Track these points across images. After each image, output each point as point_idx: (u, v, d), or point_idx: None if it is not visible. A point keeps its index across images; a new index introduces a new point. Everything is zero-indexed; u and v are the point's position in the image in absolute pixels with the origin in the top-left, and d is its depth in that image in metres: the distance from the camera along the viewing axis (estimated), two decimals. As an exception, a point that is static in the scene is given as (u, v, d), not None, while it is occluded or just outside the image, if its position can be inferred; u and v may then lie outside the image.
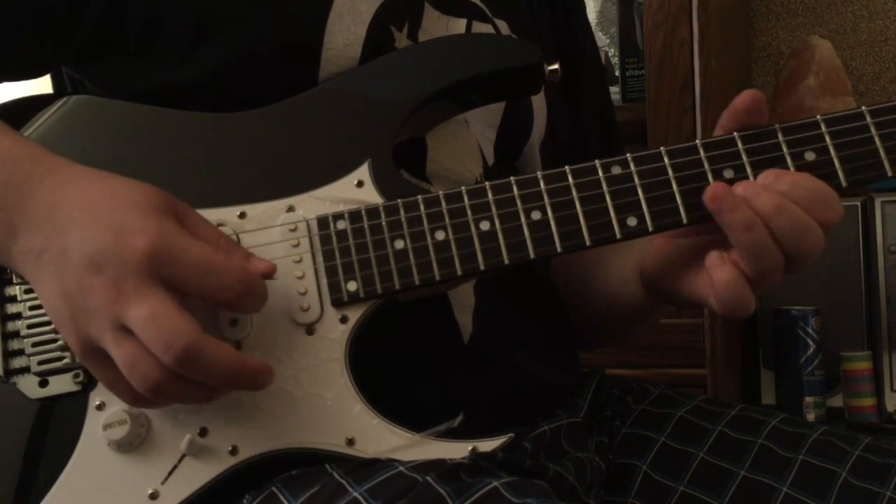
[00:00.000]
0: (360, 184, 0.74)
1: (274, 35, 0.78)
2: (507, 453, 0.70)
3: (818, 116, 0.72)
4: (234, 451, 0.69)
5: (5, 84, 0.84)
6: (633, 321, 0.95)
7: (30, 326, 0.72)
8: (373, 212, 0.72)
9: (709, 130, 1.41)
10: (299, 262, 0.72)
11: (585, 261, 0.95)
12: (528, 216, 0.72)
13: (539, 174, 0.73)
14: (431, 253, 0.71)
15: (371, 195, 0.74)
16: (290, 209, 0.73)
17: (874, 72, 1.96)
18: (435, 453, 0.68)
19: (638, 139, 1.49)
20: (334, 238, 0.72)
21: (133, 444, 0.69)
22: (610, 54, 1.73)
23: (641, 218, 0.71)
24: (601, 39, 1.73)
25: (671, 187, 0.72)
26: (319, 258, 0.72)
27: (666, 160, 0.72)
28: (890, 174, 0.70)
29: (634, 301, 0.87)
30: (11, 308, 0.73)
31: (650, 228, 0.71)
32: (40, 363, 0.72)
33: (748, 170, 0.72)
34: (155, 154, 0.77)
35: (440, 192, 0.73)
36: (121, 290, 0.61)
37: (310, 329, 0.71)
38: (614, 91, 1.63)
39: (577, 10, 1.06)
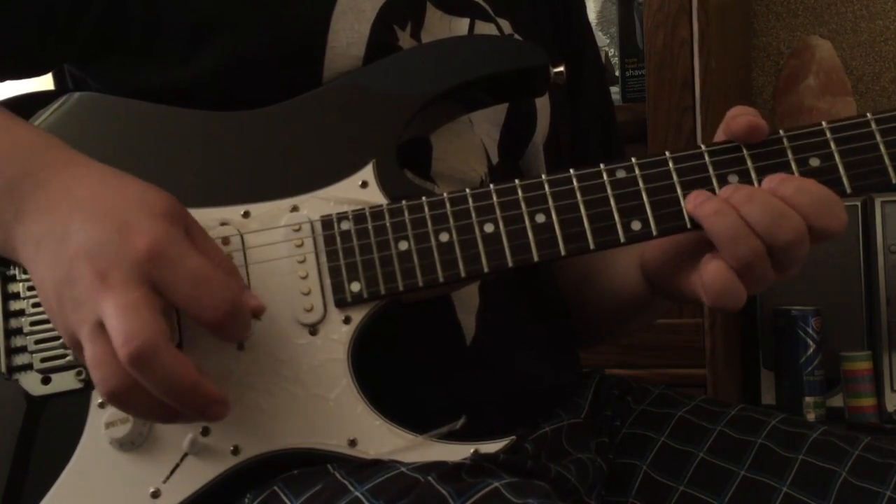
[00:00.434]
0: (364, 184, 0.74)
1: (277, 34, 0.78)
2: (508, 454, 0.70)
3: (823, 123, 0.72)
4: (235, 451, 0.69)
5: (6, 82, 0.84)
6: (634, 315, 0.95)
7: (33, 323, 0.72)
8: (377, 213, 0.72)
9: (709, 130, 1.42)
10: (303, 262, 0.72)
11: (590, 258, 0.95)
12: (532, 219, 0.72)
13: (543, 177, 0.73)
14: (435, 254, 0.71)
15: (375, 196, 0.74)
16: (294, 209, 0.73)
17: (874, 72, 1.96)
18: (437, 455, 0.68)
19: (638, 139, 1.50)
20: (338, 239, 0.72)
21: (135, 442, 0.69)
22: (610, 54, 1.73)
23: (645, 222, 0.72)
24: (601, 39, 1.73)
25: (675, 192, 0.72)
26: (323, 258, 0.72)
27: (671, 165, 0.72)
28: (894, 181, 0.71)
29: (637, 293, 0.87)
30: (14, 305, 0.73)
31: (654, 233, 0.72)
32: (43, 360, 0.72)
33: (753, 175, 0.72)
34: (159, 151, 0.77)
35: (444, 193, 0.73)
36: (106, 280, 0.60)
37: (313, 329, 0.71)
38: (614, 91, 1.63)
39: (577, 10, 1.06)
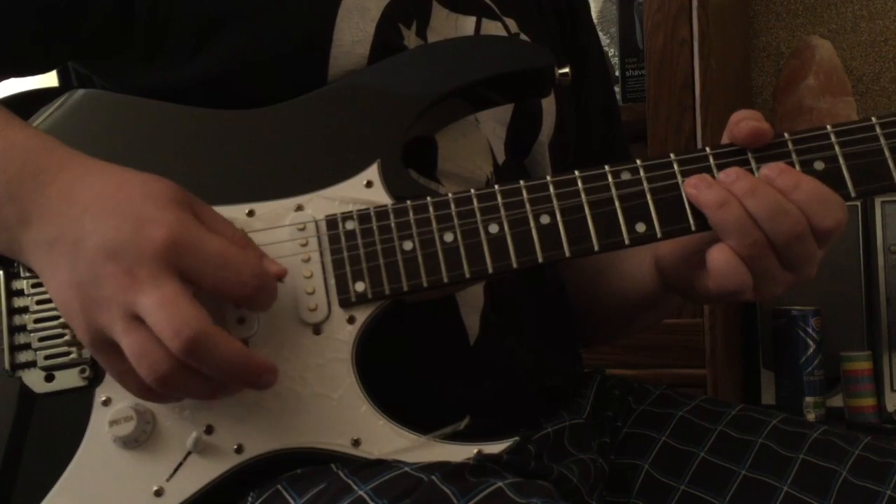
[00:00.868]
0: (369, 184, 0.74)
1: (283, 32, 0.78)
2: (511, 455, 0.70)
3: (828, 126, 0.72)
4: (239, 450, 0.69)
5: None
6: (643, 311, 0.95)
7: (37, 321, 0.72)
8: (382, 213, 0.72)
9: (709, 130, 1.42)
10: (307, 261, 0.72)
11: (599, 255, 0.95)
12: (537, 220, 0.72)
13: (548, 178, 0.73)
14: (440, 255, 0.71)
15: (380, 196, 0.74)
16: (299, 208, 0.73)
17: (874, 72, 1.96)
18: (440, 455, 0.68)
19: (638, 139, 1.50)
20: (343, 238, 0.72)
21: (139, 440, 0.69)
22: (610, 54, 1.73)
23: (650, 224, 0.72)
24: (601, 39, 1.73)
25: (680, 194, 0.72)
26: (328, 258, 0.72)
27: (675, 167, 0.72)
28: (898, 185, 0.71)
29: (648, 289, 0.87)
30: (18, 302, 0.73)
31: (658, 235, 0.72)
32: (47, 358, 0.72)
33: (757, 178, 0.72)
34: (164, 149, 0.77)
35: (449, 194, 0.73)
36: (135, 277, 0.61)
37: (317, 329, 0.71)
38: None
39: (582, 10, 1.06)
